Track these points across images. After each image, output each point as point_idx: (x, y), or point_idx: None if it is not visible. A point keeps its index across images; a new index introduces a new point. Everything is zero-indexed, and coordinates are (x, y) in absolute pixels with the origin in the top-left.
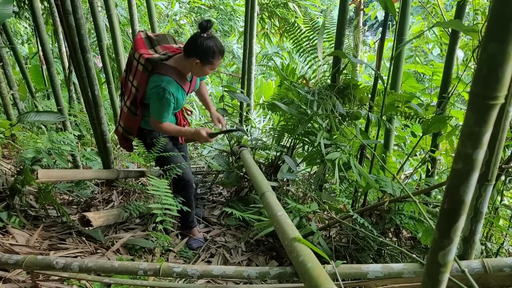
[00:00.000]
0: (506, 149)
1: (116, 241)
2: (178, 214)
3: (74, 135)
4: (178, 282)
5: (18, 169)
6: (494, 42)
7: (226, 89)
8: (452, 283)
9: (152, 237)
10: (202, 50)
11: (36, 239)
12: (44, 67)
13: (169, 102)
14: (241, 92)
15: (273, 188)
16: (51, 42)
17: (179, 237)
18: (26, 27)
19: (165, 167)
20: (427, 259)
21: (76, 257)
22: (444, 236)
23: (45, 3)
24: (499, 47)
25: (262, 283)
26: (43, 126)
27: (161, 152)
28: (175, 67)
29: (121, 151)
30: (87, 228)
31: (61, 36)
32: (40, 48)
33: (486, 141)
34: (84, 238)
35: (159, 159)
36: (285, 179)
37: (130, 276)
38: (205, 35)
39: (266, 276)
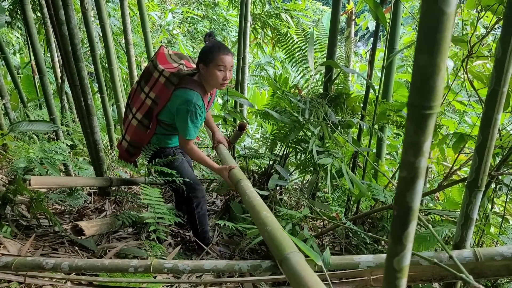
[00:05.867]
0: (496, 157)
1: (109, 250)
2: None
3: (67, 144)
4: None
5: (10, 179)
6: (424, 54)
7: (231, 94)
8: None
9: (145, 246)
10: (202, 52)
11: (28, 249)
12: (37, 76)
13: (200, 118)
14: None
15: (266, 197)
16: (43, 52)
17: (172, 245)
18: (18, 37)
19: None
20: (385, 265)
21: None
22: (397, 243)
23: (38, 13)
24: (429, 58)
25: None
26: (35, 136)
27: (177, 170)
28: (200, 82)
29: (114, 161)
30: (79, 238)
31: (53, 45)
32: (32, 57)
33: (427, 149)
34: (76, 248)
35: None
36: (277, 188)
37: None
38: (206, 42)
39: (257, 269)
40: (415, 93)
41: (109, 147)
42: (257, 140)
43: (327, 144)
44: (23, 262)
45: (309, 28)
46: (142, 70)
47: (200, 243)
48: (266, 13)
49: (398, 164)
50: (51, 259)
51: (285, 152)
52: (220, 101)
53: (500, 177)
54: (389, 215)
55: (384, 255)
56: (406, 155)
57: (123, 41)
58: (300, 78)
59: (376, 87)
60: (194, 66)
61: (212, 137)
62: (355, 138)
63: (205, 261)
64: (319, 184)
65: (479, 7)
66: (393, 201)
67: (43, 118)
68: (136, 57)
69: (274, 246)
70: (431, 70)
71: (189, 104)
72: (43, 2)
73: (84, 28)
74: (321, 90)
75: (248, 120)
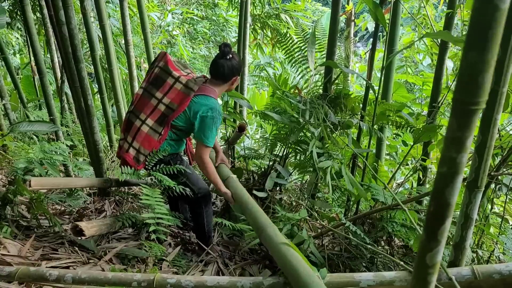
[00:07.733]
0: (496, 157)
1: (108, 251)
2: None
3: (66, 145)
4: None
5: (10, 179)
6: (474, 51)
7: (231, 95)
8: None
9: (145, 246)
10: (239, 66)
11: (28, 249)
12: (36, 77)
13: (219, 125)
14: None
15: (264, 198)
16: (43, 53)
17: (172, 246)
18: (18, 38)
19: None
20: (415, 262)
21: (68, 267)
22: (432, 238)
23: (38, 14)
24: (478, 55)
25: None
26: (34, 137)
27: (189, 177)
28: (215, 90)
29: (113, 161)
30: (79, 238)
31: (53, 46)
32: (32, 58)
33: (469, 145)
34: (76, 248)
35: (184, 182)
36: (277, 188)
37: None
38: (230, 55)
39: (259, 286)
40: (461, 89)
41: (109, 147)
42: (256, 140)
43: (327, 145)
44: (27, 272)
45: (309, 29)
46: (148, 77)
47: (202, 243)
48: (265, 14)
49: (398, 165)
50: (54, 271)
51: (284, 153)
52: (219, 101)
53: (499, 177)
54: (388, 215)
55: (384, 273)
56: (447, 150)
57: (123, 41)
58: (300, 79)
59: (376, 88)
60: (195, 74)
61: (216, 156)
62: (355, 138)
63: (207, 277)
64: (319, 184)
65: None
66: (393, 201)
67: (43, 118)
68: (135, 57)
69: None
70: (481, 67)
71: (214, 111)
72: (43, 3)
73: (84, 29)
74: (320, 91)
75: (247, 121)
